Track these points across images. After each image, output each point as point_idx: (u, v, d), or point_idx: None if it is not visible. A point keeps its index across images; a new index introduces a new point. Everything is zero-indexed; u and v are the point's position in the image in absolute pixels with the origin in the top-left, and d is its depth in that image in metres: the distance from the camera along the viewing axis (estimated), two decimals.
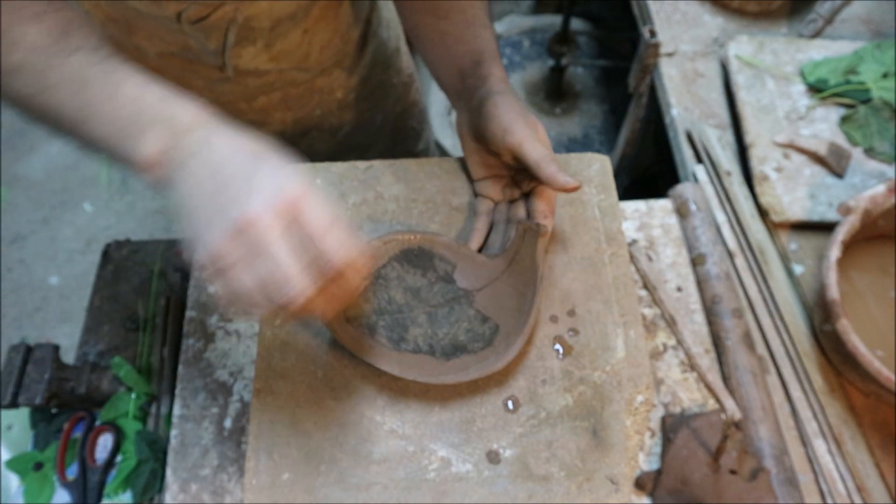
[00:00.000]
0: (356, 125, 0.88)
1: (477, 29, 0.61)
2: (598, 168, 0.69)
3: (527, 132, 0.55)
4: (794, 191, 0.78)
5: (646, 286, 0.72)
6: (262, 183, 0.37)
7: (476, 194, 0.64)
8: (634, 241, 0.75)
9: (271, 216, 0.36)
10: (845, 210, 0.65)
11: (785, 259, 0.75)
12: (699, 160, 0.85)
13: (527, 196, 0.60)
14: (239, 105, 0.75)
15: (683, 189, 0.78)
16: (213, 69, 0.69)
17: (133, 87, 0.43)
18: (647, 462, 0.58)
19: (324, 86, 0.79)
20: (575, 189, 0.52)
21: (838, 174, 0.80)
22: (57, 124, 0.46)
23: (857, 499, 0.60)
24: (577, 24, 1.92)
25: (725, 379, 0.65)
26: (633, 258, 0.72)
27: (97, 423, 0.67)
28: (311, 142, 0.86)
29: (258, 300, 0.37)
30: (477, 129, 0.57)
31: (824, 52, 0.91)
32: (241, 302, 0.37)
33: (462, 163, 0.69)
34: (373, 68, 0.85)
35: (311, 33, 0.71)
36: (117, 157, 0.44)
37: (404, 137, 0.99)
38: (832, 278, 0.61)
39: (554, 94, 1.87)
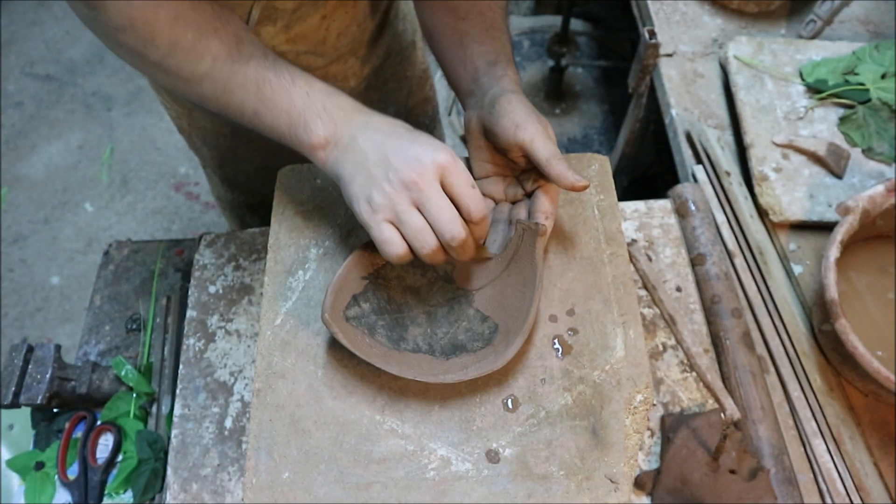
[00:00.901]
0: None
1: (495, 32, 0.63)
2: (597, 168, 0.69)
3: (539, 129, 0.56)
4: (794, 191, 0.78)
5: (645, 286, 0.72)
6: (420, 152, 0.48)
7: None
8: (634, 241, 0.75)
9: (431, 176, 0.47)
10: (844, 210, 0.65)
11: (784, 259, 0.75)
12: (698, 160, 0.85)
13: (529, 196, 0.61)
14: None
15: (683, 189, 0.78)
16: None
17: (302, 84, 0.52)
18: (646, 461, 0.58)
19: (337, 73, 0.79)
20: (584, 188, 0.55)
21: (837, 174, 0.80)
22: (237, 117, 0.54)
23: (855, 498, 0.61)
24: (576, 24, 1.93)
25: (725, 379, 0.66)
26: (632, 258, 0.72)
27: (98, 422, 0.67)
28: None
29: (425, 239, 0.48)
30: (488, 125, 0.58)
31: (823, 52, 0.91)
32: (396, 246, 0.48)
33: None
34: (387, 59, 0.85)
35: (330, 19, 0.72)
36: (290, 141, 0.53)
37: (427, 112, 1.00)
38: (831, 278, 0.62)
39: (554, 94, 1.88)
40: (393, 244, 0.48)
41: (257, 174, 0.88)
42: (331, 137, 0.51)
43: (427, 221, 0.48)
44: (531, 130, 0.56)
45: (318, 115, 0.52)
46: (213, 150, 0.85)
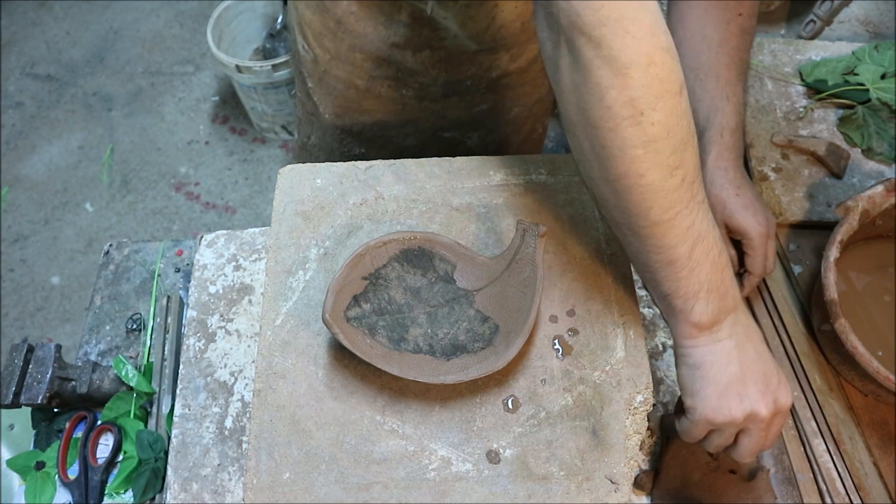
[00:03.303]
0: (492, 109, 0.89)
1: (719, 101, 0.64)
2: None
3: (759, 226, 0.64)
4: (793, 191, 0.78)
5: (645, 286, 0.72)
6: (776, 391, 0.48)
7: None
8: None
9: (770, 416, 0.47)
10: (844, 210, 0.65)
11: (784, 259, 0.75)
12: None
13: None
14: (405, 52, 0.76)
15: None
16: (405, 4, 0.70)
17: (715, 257, 0.48)
18: (646, 462, 0.58)
19: (484, 61, 0.79)
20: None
21: (837, 174, 0.80)
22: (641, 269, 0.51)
23: (855, 498, 0.61)
24: None
25: None
26: None
27: (98, 422, 0.67)
28: (447, 106, 0.86)
29: (743, 455, 0.50)
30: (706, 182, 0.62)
31: (823, 52, 0.91)
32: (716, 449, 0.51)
33: (462, 163, 0.69)
34: (533, 63, 0.85)
35: (499, 8, 0.72)
36: (671, 307, 0.49)
37: (524, 146, 1.01)
38: (831, 278, 0.62)
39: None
40: (691, 437, 0.51)
41: (372, 127, 0.89)
42: (712, 325, 0.48)
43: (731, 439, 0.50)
44: (752, 225, 0.62)
45: (710, 296, 0.48)
46: (339, 99, 0.86)
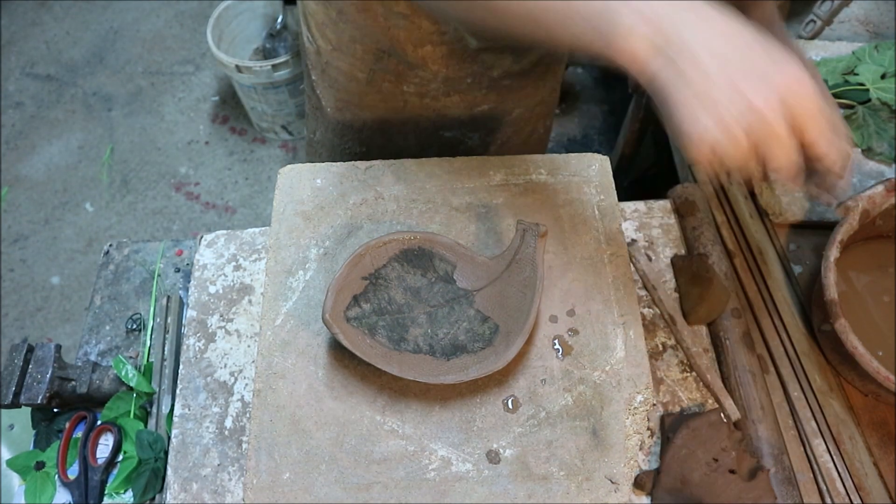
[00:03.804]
0: (494, 109, 0.88)
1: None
2: (597, 168, 0.69)
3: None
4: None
5: (645, 286, 0.72)
6: (772, 72, 0.38)
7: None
8: (634, 241, 0.75)
9: (775, 108, 0.38)
10: (844, 210, 0.65)
11: (784, 259, 0.75)
12: None
13: None
14: (405, 46, 0.76)
15: (683, 189, 0.78)
16: None
17: None
18: (646, 461, 0.58)
19: (486, 60, 0.79)
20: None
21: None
22: (507, 25, 0.45)
23: (855, 498, 0.61)
24: None
25: (724, 378, 0.66)
26: (632, 258, 0.72)
27: (98, 422, 0.67)
28: (448, 105, 0.85)
29: (753, 163, 0.39)
30: None
31: (823, 52, 0.91)
32: (715, 163, 0.39)
33: (462, 163, 0.69)
34: (537, 65, 0.84)
35: None
36: (588, 48, 0.43)
37: (526, 146, 0.99)
38: (831, 278, 0.62)
39: None
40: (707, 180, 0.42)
41: (373, 124, 0.88)
42: (652, 41, 0.40)
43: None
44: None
45: (625, 17, 0.40)
46: (340, 92, 0.85)
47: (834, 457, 0.63)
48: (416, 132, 0.88)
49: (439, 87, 0.82)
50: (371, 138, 0.90)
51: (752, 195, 0.79)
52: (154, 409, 0.68)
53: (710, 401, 0.65)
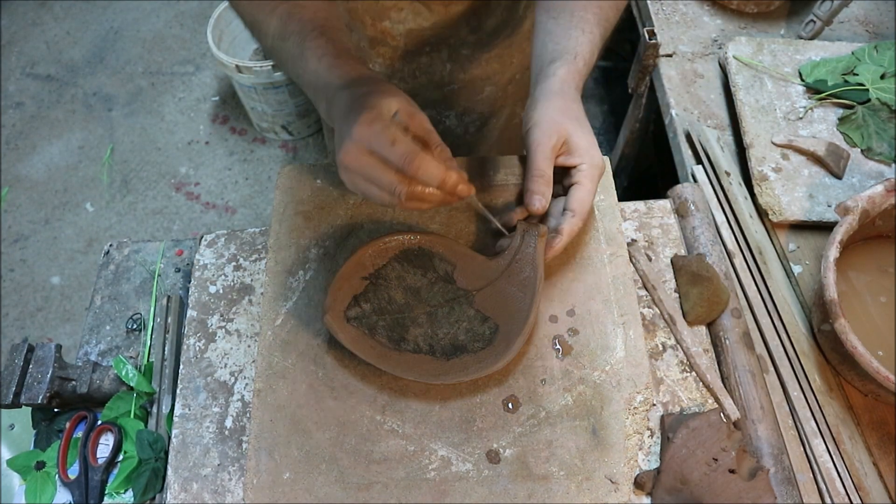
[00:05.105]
0: (463, 89, 0.88)
1: (574, 31, 0.62)
2: None
3: (545, 141, 0.56)
4: (793, 191, 0.78)
5: (645, 286, 0.72)
6: (351, 130, 0.49)
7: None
8: (634, 241, 0.75)
9: (356, 148, 0.49)
10: (843, 210, 0.65)
11: (783, 259, 0.75)
12: (698, 161, 0.85)
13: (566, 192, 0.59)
14: (364, 19, 0.77)
15: (683, 189, 0.78)
16: None
17: (314, 63, 0.55)
18: (646, 461, 0.58)
19: (444, 34, 0.80)
20: (535, 213, 0.57)
21: (837, 175, 0.80)
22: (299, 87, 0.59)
23: (855, 498, 0.61)
24: None
25: (724, 378, 0.66)
26: (632, 258, 0.72)
27: (99, 422, 0.67)
28: (416, 87, 0.86)
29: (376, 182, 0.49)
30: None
31: (823, 53, 0.91)
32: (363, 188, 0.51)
33: (462, 164, 0.69)
34: (493, 36, 0.84)
35: None
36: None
37: (508, 130, 0.99)
38: (830, 278, 0.62)
39: None
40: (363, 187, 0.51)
41: None
42: (328, 111, 0.54)
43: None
44: (538, 137, 0.56)
45: (321, 90, 0.55)
46: None
47: (834, 457, 0.63)
48: None
49: (404, 68, 0.82)
50: None
51: (752, 195, 0.79)
52: (154, 409, 0.68)
53: (710, 401, 0.65)
